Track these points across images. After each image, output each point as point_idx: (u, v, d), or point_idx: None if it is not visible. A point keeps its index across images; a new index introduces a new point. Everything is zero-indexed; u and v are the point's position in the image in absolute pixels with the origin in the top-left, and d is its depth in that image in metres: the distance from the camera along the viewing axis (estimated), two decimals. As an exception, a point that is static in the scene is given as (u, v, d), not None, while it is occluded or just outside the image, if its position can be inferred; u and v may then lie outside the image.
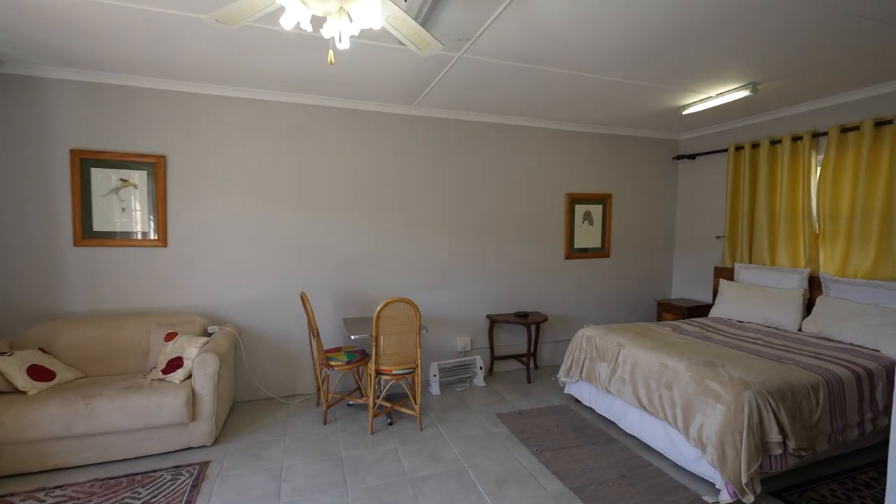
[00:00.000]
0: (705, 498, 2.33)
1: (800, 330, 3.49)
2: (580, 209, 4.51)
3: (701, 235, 4.68)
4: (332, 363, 3.11)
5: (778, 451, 2.23)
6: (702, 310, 4.40)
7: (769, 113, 3.89)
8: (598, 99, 3.51)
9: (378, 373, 3.01)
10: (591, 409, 3.39)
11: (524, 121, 4.17)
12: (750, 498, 2.16)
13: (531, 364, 4.35)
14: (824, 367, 2.61)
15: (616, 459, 2.69)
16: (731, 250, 4.26)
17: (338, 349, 3.33)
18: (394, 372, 2.99)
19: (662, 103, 3.64)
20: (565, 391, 3.61)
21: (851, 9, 2.09)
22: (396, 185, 3.82)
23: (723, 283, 4.09)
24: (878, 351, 2.91)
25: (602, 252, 4.63)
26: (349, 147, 3.67)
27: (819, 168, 3.58)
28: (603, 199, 4.59)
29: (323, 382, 3.23)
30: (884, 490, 2.39)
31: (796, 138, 3.68)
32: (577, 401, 3.58)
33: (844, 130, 3.35)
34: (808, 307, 3.61)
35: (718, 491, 2.35)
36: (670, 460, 2.68)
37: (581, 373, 3.35)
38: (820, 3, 2.05)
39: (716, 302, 4.08)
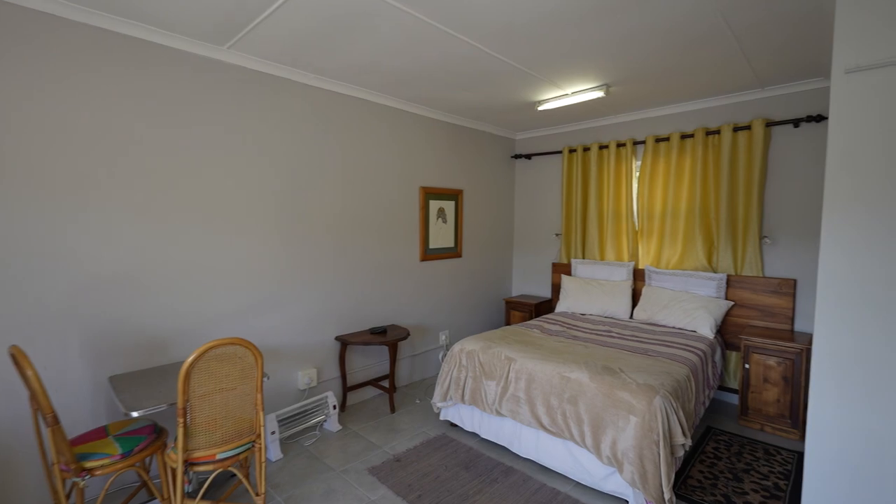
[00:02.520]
0: (624, 520, 2.14)
1: (631, 318, 3.86)
2: (435, 205, 4.06)
3: (539, 233, 4.86)
4: (88, 465, 1.77)
5: (681, 452, 2.21)
6: (545, 305, 4.56)
7: (598, 119, 4.22)
8: (461, 76, 3.03)
9: (190, 463, 1.84)
10: (474, 435, 2.96)
11: (376, 96, 3.43)
12: (669, 511, 2.06)
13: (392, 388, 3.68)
14: (680, 355, 2.81)
15: (523, 498, 2.30)
16: (567, 247, 4.52)
17: (100, 433, 1.95)
18: (219, 457, 1.88)
19: (520, 94, 3.47)
20: (441, 417, 3.09)
21: (721, 11, 2.17)
22: (199, 166, 2.56)
23: (565, 278, 4.28)
24: (695, 332, 3.37)
25: (455, 252, 4.30)
26: (117, 97, 2.24)
27: (638, 173, 4.05)
28: (455, 195, 4.26)
29: (69, 496, 1.83)
30: (731, 458, 2.67)
31: (620, 145, 4.08)
32: (453, 425, 3.11)
33: (658, 140, 3.84)
34: (633, 297, 4.05)
35: (632, 507, 2.20)
36: (574, 481, 2.45)
37: (463, 395, 2.87)
38: (688, 10, 2.05)
39: (560, 297, 4.24)
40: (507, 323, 4.60)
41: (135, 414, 1.77)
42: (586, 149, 4.31)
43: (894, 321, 1.52)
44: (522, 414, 2.56)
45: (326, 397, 3.03)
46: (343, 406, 3.33)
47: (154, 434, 2.01)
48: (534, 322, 3.67)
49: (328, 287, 3.26)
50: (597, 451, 2.24)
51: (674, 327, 3.49)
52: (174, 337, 2.51)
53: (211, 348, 1.76)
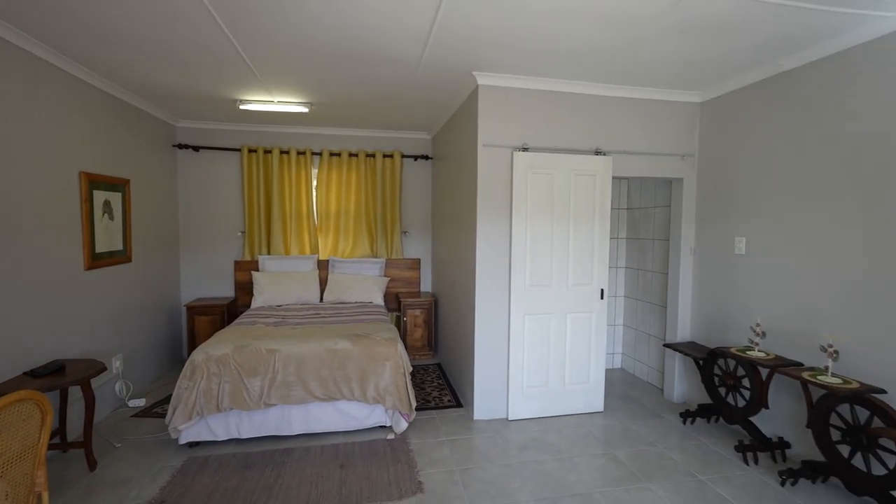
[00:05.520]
0: (389, 437, 2.96)
1: (321, 301, 4.59)
2: (100, 197, 3.15)
3: (215, 231, 4.59)
4: None
5: (409, 377, 3.25)
6: (234, 304, 4.46)
7: (278, 126, 4.57)
8: (175, 48, 2.67)
9: None
10: (231, 441, 2.83)
11: (19, 36, 2.37)
12: (414, 415, 3.05)
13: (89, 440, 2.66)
14: (382, 318, 3.87)
15: (318, 463, 2.65)
16: (251, 244, 4.61)
17: None
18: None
19: (226, 89, 3.37)
20: (181, 441, 2.72)
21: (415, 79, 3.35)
22: None
23: (257, 275, 4.40)
24: (372, 302, 4.55)
25: (124, 256, 3.47)
26: None
27: (316, 180, 4.76)
28: (122, 185, 3.43)
29: None
30: (413, 379, 4.02)
31: (300, 153, 4.64)
32: (193, 445, 2.80)
33: (332, 154, 4.71)
34: (320, 283, 4.77)
35: (389, 427, 3.04)
36: (344, 431, 2.99)
37: (219, 403, 2.71)
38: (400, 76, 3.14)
39: (255, 293, 4.34)
40: (192, 332, 4.16)
41: None
42: (267, 151, 4.57)
43: (503, 272, 3.17)
44: (294, 395, 2.82)
45: (-13, 486, 1.98)
46: None
47: None
48: (247, 319, 3.69)
49: (-50, 322, 2.05)
50: (364, 397, 2.92)
51: (357, 302, 4.52)
52: None
53: (-10, 415, 1.15)
